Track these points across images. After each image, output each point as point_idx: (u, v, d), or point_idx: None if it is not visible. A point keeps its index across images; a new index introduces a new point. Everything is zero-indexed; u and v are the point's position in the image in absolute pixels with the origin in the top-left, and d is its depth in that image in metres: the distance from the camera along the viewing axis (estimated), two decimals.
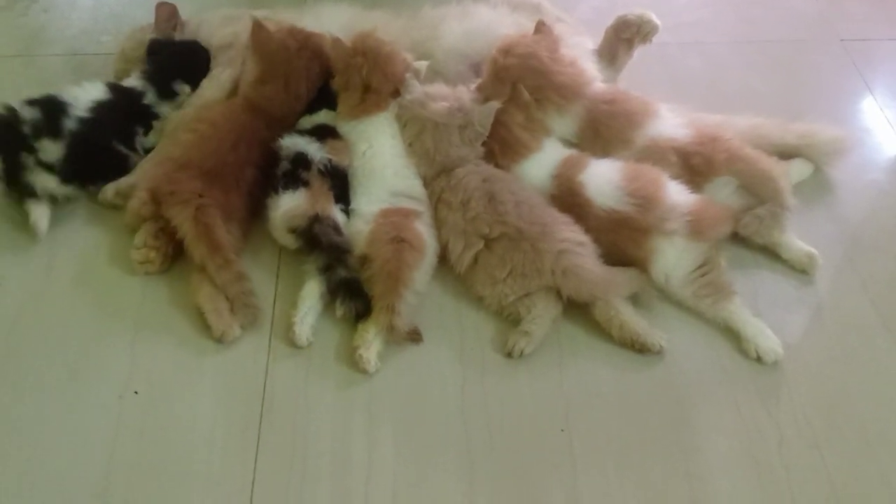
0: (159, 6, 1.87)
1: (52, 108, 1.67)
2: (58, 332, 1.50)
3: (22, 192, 1.63)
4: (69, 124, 1.66)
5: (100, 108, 1.70)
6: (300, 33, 1.72)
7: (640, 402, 1.42)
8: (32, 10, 2.24)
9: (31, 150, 1.63)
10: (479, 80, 1.71)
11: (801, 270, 1.60)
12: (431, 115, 1.61)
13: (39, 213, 1.62)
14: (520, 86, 1.64)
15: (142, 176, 1.67)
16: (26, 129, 1.64)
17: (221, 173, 1.58)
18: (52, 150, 1.64)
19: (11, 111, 1.66)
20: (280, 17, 1.83)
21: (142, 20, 1.95)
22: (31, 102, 1.68)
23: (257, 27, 1.71)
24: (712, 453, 1.35)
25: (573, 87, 1.67)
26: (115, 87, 1.77)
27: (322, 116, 1.70)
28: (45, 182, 1.64)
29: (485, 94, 1.66)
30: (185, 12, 1.92)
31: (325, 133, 1.66)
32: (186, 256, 1.53)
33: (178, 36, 1.89)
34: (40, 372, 1.44)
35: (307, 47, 1.71)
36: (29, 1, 2.27)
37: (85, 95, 1.71)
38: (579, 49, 1.81)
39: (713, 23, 2.24)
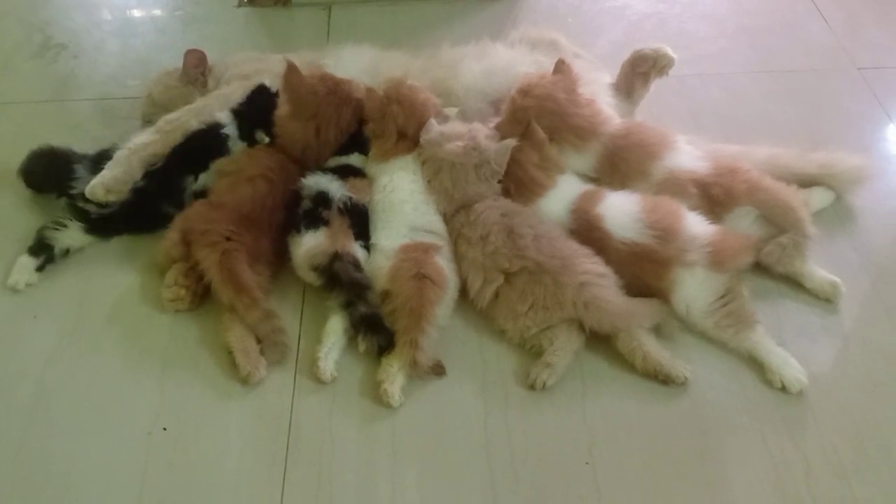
0: (188, 53, 1.91)
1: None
2: (89, 369, 1.52)
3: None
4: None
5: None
6: (330, 79, 1.74)
7: (665, 434, 1.41)
8: (62, 57, 2.30)
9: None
10: (498, 119, 1.73)
11: (824, 299, 1.60)
12: (447, 155, 1.63)
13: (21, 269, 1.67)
14: (534, 124, 1.66)
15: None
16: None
17: (258, 218, 1.62)
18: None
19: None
20: (305, 59, 1.86)
21: (167, 64, 2.00)
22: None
23: (290, 70, 1.73)
24: (738, 485, 1.34)
25: (589, 128, 1.69)
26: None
27: (353, 160, 1.72)
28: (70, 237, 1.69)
29: (502, 133, 1.68)
30: (211, 57, 1.96)
31: (347, 171, 1.68)
32: (216, 295, 1.55)
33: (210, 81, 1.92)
34: (72, 407, 1.47)
35: (336, 93, 1.72)
36: (59, 48, 2.33)
37: None
38: (597, 84, 1.84)
39: (731, 54, 2.26)
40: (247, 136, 1.76)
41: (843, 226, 1.75)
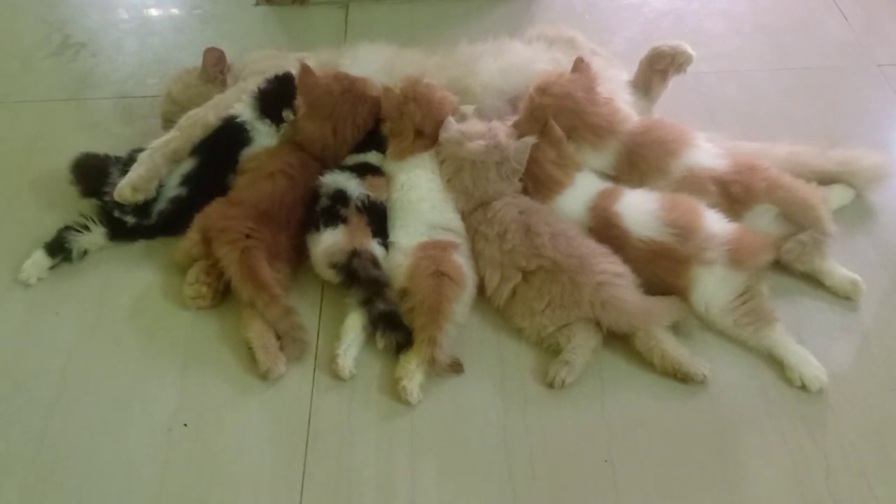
0: (207, 51, 1.91)
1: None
2: (110, 365, 1.54)
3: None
4: (159, 206, 1.72)
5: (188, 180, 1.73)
6: (345, 78, 1.74)
7: (684, 432, 1.41)
8: (81, 56, 2.32)
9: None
10: (516, 118, 1.73)
11: (844, 297, 1.59)
12: (468, 154, 1.63)
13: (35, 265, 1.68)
14: (552, 122, 1.65)
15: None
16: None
17: (276, 214, 1.63)
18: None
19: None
20: (323, 57, 1.87)
21: (186, 63, 2.01)
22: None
23: (304, 71, 1.73)
24: (758, 484, 1.34)
25: (607, 126, 1.68)
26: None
27: (371, 157, 1.73)
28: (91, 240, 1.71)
29: (520, 131, 1.68)
30: (230, 56, 1.96)
31: (365, 170, 1.69)
32: (236, 292, 1.56)
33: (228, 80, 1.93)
34: (93, 403, 1.48)
35: (351, 92, 1.73)
36: (78, 46, 2.35)
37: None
38: (614, 82, 1.83)
39: (748, 51, 2.25)
40: (274, 115, 1.75)
41: (862, 223, 1.74)
